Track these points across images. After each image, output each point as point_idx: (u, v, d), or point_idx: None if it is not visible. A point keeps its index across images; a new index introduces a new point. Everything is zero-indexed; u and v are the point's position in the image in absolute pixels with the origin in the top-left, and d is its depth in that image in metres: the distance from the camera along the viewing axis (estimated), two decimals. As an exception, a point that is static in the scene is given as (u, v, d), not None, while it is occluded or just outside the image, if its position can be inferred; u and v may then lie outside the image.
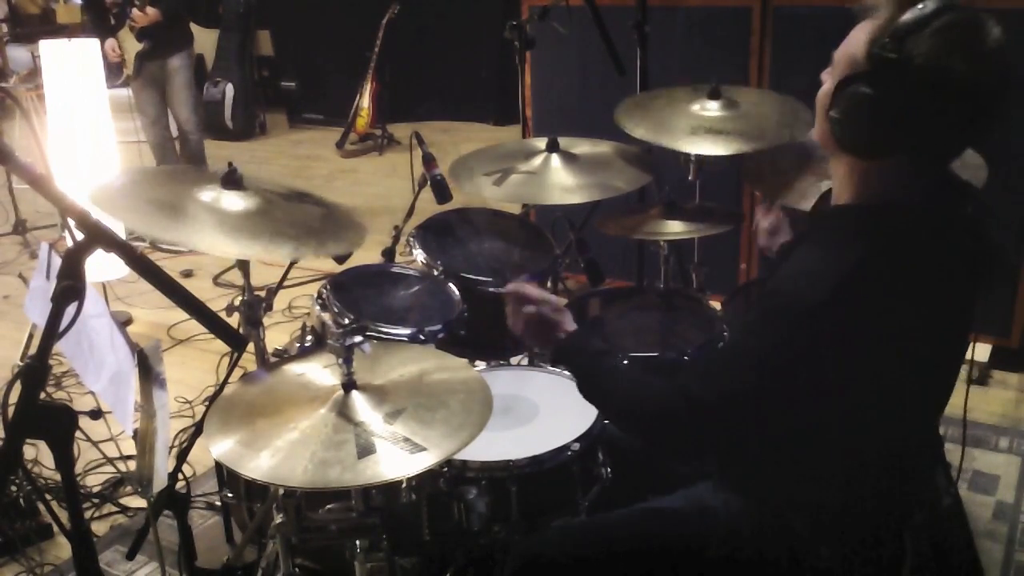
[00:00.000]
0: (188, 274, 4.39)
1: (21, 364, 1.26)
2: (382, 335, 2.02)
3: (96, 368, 1.75)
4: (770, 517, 1.44)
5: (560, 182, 2.35)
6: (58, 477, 1.52)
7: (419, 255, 2.34)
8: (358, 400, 1.52)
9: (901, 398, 1.33)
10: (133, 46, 4.69)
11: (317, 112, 7.97)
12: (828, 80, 1.32)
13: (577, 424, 1.85)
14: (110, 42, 4.66)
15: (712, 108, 2.38)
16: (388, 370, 1.63)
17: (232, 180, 1.82)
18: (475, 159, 2.51)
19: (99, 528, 2.57)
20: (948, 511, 1.63)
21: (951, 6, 1.21)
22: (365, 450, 1.40)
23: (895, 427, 1.35)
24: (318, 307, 2.13)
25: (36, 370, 1.23)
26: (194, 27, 5.06)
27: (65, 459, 1.32)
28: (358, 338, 1.53)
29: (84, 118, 3.69)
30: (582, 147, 2.50)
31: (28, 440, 1.30)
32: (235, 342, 1.46)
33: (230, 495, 2.15)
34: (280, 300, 3.00)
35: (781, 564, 1.43)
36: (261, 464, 1.40)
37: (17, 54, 7.57)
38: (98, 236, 1.27)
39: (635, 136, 2.35)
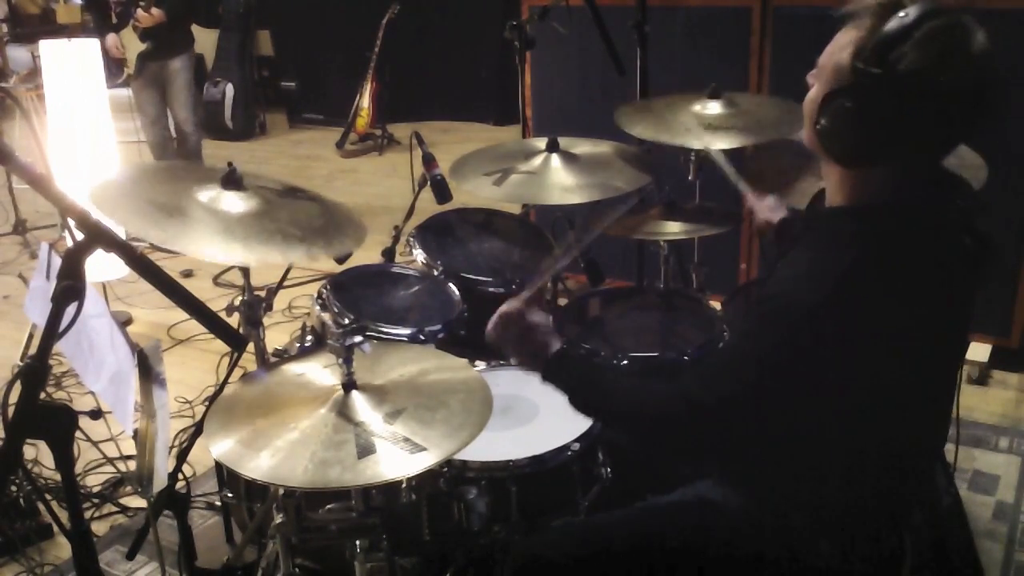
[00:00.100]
0: (188, 274, 4.39)
1: (21, 364, 1.26)
2: (382, 335, 2.02)
3: (96, 368, 1.75)
4: (770, 515, 1.44)
5: (560, 182, 2.35)
6: (58, 477, 1.52)
7: (419, 255, 2.35)
8: (358, 400, 1.52)
9: (900, 397, 1.33)
10: (134, 45, 4.69)
11: (317, 112, 7.96)
12: (814, 85, 1.32)
13: (577, 424, 1.84)
14: (113, 38, 4.67)
15: (713, 108, 2.41)
16: (388, 370, 1.63)
17: (232, 180, 1.83)
18: (475, 159, 2.51)
19: (99, 528, 2.57)
20: (948, 511, 1.63)
21: (933, 12, 1.19)
22: (365, 450, 1.40)
23: (894, 426, 1.35)
24: (318, 307, 2.13)
25: (36, 370, 1.23)
26: (194, 27, 5.07)
27: (65, 459, 1.32)
28: (358, 338, 1.53)
29: (84, 118, 3.69)
30: (582, 147, 2.50)
31: (28, 440, 1.30)
32: (235, 342, 1.46)
33: (230, 495, 2.15)
34: (280, 300, 3.00)
35: (781, 562, 1.43)
36: (261, 464, 1.40)
37: (17, 54, 7.55)
38: (98, 236, 1.26)
39: (634, 135, 2.35)
